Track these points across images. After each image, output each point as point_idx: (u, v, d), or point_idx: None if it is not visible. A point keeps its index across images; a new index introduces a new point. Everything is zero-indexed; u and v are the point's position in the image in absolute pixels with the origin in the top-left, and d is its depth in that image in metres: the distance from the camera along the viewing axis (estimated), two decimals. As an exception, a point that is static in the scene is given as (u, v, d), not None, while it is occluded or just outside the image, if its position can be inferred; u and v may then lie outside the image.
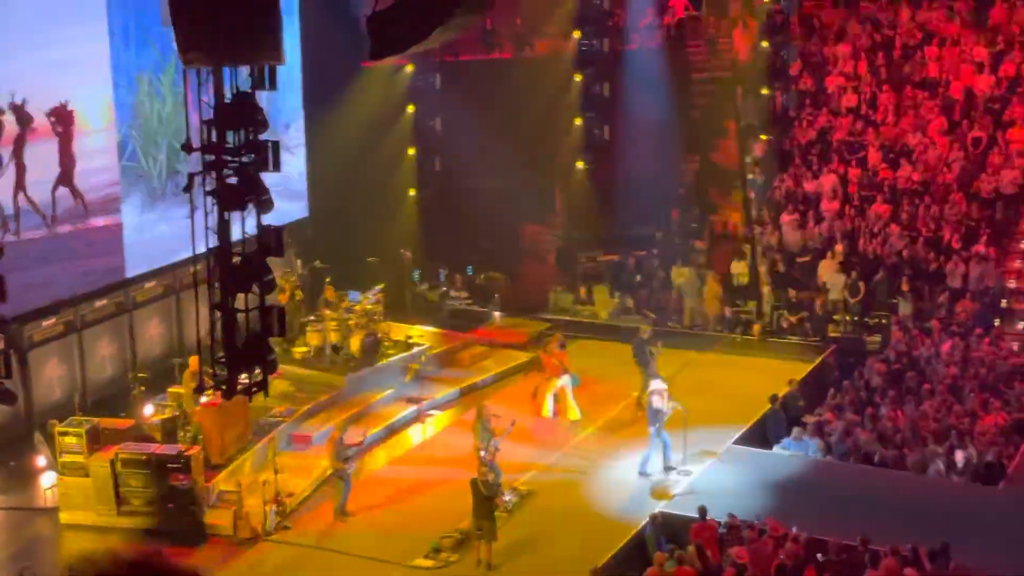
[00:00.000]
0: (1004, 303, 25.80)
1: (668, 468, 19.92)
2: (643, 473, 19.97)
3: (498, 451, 18.85)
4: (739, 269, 27.83)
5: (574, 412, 22.32)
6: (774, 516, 17.22)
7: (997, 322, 25.27)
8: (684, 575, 15.79)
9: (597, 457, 20.87)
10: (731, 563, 15.84)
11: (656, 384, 20.19)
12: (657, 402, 19.91)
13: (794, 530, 16.57)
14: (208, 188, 14.82)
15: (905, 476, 19.40)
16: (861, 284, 26.24)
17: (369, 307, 24.23)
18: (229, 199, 14.81)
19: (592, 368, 24.50)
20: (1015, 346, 24.19)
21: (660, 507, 18.48)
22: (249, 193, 14.81)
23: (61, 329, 21.90)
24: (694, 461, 20.02)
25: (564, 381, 22.47)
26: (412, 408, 22.71)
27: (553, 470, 20.47)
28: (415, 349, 24.57)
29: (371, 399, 22.89)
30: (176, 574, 1.91)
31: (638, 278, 28.77)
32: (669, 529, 17.64)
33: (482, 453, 18.53)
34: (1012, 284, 26.07)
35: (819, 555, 16.28)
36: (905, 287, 25.91)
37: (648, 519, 18.01)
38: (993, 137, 28.23)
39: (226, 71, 14.44)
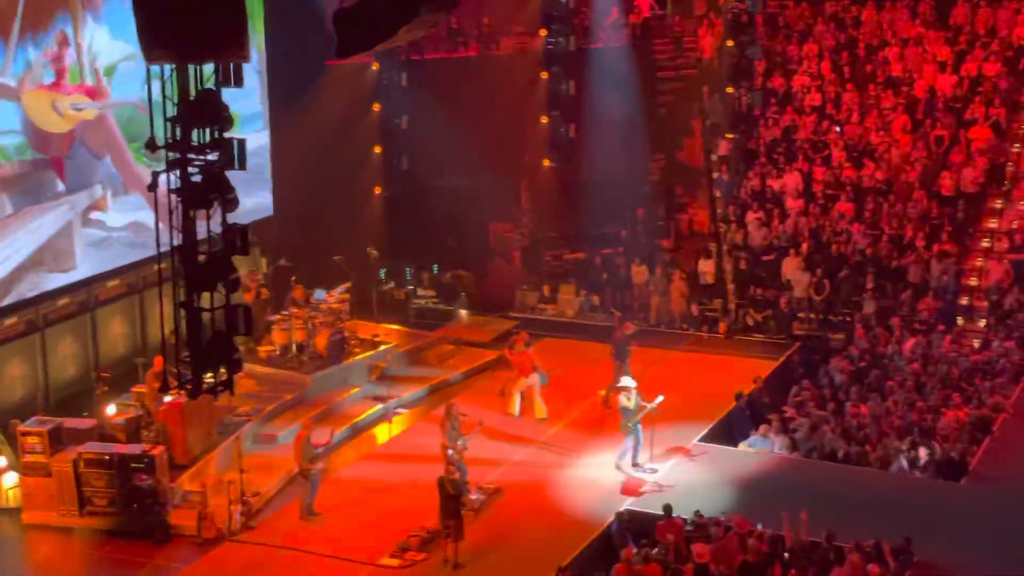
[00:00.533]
0: (965, 300, 26.00)
1: (635, 465, 19.96)
2: (619, 466, 20.02)
3: (465, 450, 18.88)
4: (705, 267, 27.92)
5: (541, 410, 22.34)
6: (740, 513, 17.31)
7: (960, 320, 25.47)
8: (651, 572, 15.84)
9: (564, 455, 20.89)
10: (692, 560, 15.92)
11: (624, 381, 20.23)
12: (623, 400, 19.96)
13: (759, 527, 16.66)
14: (173, 186, 14.74)
15: (869, 472, 19.53)
16: (826, 282, 26.38)
17: (335, 305, 24.16)
18: (194, 197, 14.72)
19: (559, 366, 24.52)
20: (976, 343, 24.38)
21: (626, 505, 18.53)
22: (214, 191, 14.73)
23: (22, 328, 21.72)
24: (660, 459, 20.09)
25: (532, 380, 22.49)
26: (379, 407, 22.67)
27: (520, 468, 20.47)
28: (382, 348, 24.52)
29: (337, 398, 22.84)
30: None
31: (604, 276, 28.81)
32: (635, 527, 17.69)
33: (450, 452, 18.54)
34: (973, 282, 26.27)
35: (784, 552, 16.39)
36: (869, 285, 26.07)
37: (614, 517, 18.06)
38: (955, 136, 28.44)
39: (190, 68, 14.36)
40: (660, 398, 20.07)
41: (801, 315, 26.41)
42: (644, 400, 20.03)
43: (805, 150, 29.51)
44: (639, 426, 19.95)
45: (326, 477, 19.54)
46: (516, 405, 22.47)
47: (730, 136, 30.03)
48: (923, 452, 19.56)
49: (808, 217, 27.94)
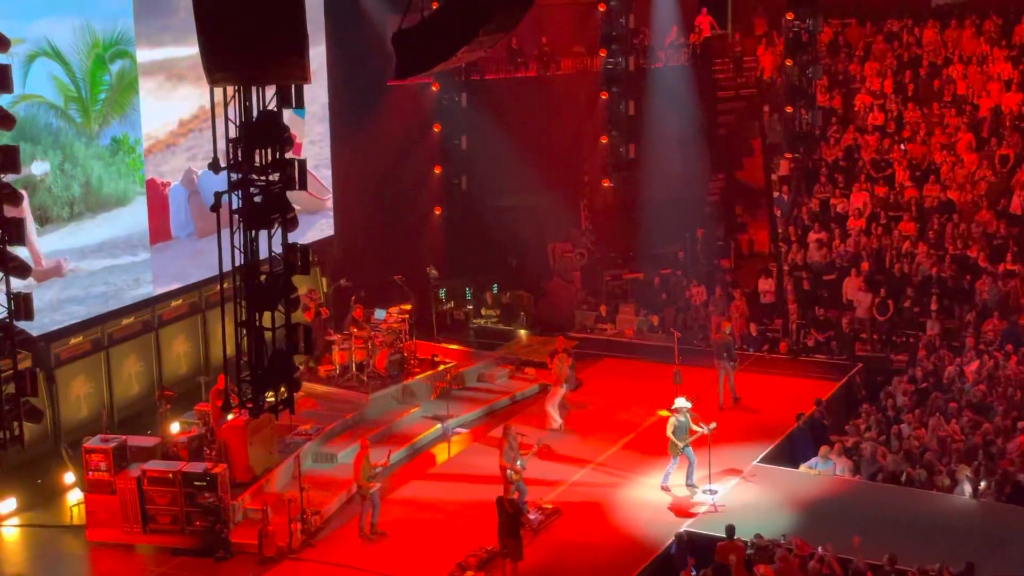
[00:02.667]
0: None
1: (689, 486, 19.85)
2: (664, 487, 19.93)
3: (524, 470, 18.87)
4: (765, 286, 27.75)
5: (556, 420, 22.55)
6: (800, 535, 17.16)
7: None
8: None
9: (623, 475, 20.81)
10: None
11: (678, 402, 20.10)
12: (673, 422, 19.84)
13: (820, 550, 16.51)
14: (235, 207, 14.90)
15: (933, 496, 19.29)
16: (889, 302, 26.11)
17: (395, 325, 24.25)
18: (255, 217, 14.88)
19: (617, 386, 24.47)
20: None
21: (686, 526, 18.43)
22: (275, 211, 14.88)
23: (88, 347, 22.01)
24: (719, 480, 19.95)
25: (563, 390, 22.56)
26: (438, 427, 22.70)
27: (579, 488, 20.42)
28: (441, 367, 24.57)
29: (397, 417, 22.91)
30: None
31: (663, 296, 28.71)
32: (695, 548, 17.59)
33: (509, 472, 18.54)
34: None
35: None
36: (934, 306, 25.76)
37: (674, 538, 17.97)
38: (1021, 155, 28.10)
39: (252, 90, 14.52)
40: (713, 424, 19.93)
41: (863, 336, 26.16)
42: (695, 424, 19.91)
43: (867, 169, 29.27)
44: (690, 448, 19.83)
45: (384, 496, 19.59)
46: (556, 418, 22.49)
47: (790, 156, 29.87)
48: (987, 477, 19.29)
49: (871, 237, 27.69)
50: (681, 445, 19.77)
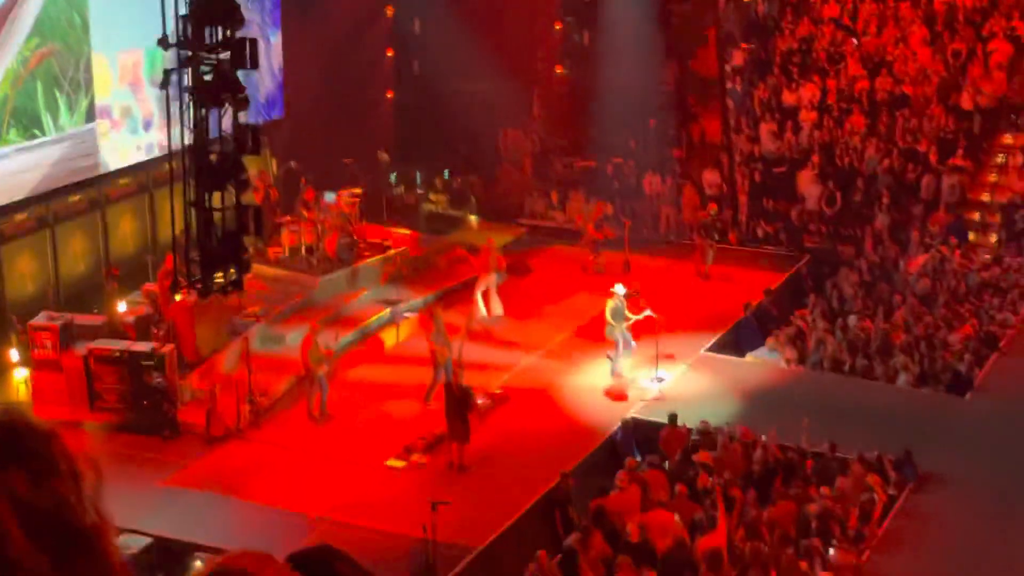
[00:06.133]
0: (977, 216, 25.93)
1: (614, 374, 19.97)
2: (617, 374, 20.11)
3: (451, 351, 19.02)
4: (715, 178, 27.79)
5: (498, 307, 22.52)
6: (745, 423, 17.42)
7: (971, 235, 25.40)
8: (654, 478, 15.99)
9: (570, 362, 20.96)
10: (699, 468, 16.06)
11: (616, 288, 20.15)
12: (608, 306, 19.91)
13: (763, 437, 16.78)
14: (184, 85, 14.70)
15: (875, 385, 19.62)
16: (838, 195, 26.27)
17: (345, 209, 24.11)
18: (206, 96, 14.69)
19: (566, 273, 24.57)
20: (987, 258, 24.33)
21: (632, 412, 18.64)
22: (225, 90, 14.70)
23: (33, 224, 21.73)
24: (666, 367, 20.16)
25: (491, 280, 22.61)
26: (387, 311, 22.72)
27: (527, 374, 20.56)
28: (391, 252, 24.51)
29: (346, 301, 22.89)
30: (38, 435, 1.91)
31: (615, 185, 28.71)
32: (640, 434, 17.82)
33: (440, 357, 18.73)
34: (986, 197, 26.16)
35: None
36: (884, 199, 25.94)
37: (619, 424, 18.19)
38: (973, 49, 28.15)
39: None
40: (647, 312, 20.03)
41: (812, 228, 26.35)
42: (629, 312, 20.01)
43: (820, 62, 29.23)
44: (627, 333, 19.91)
45: (333, 379, 19.64)
46: (481, 309, 22.54)
47: (744, 46, 29.73)
48: (927, 366, 19.63)
49: (822, 130, 27.74)
50: (617, 329, 19.86)
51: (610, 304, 19.98)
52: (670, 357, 20.29)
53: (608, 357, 19.96)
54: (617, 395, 19.39)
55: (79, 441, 18.39)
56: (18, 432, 1.90)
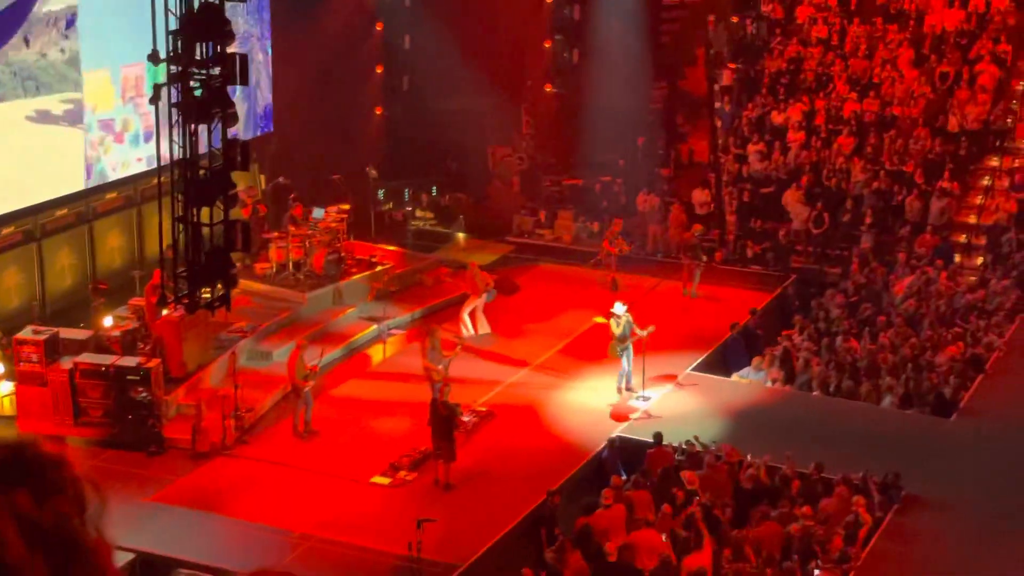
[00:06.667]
0: (963, 238, 26.01)
1: (627, 390, 20.04)
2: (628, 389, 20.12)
3: (446, 371, 18.97)
4: (703, 197, 27.85)
5: (484, 326, 22.54)
6: (731, 443, 17.43)
7: (957, 257, 25.47)
8: (640, 497, 15.99)
9: (558, 379, 20.97)
10: (682, 487, 16.07)
11: (617, 308, 20.24)
12: (613, 326, 20.01)
13: (749, 457, 16.80)
14: (174, 100, 14.70)
15: (861, 406, 19.64)
16: (825, 215, 26.34)
17: (333, 225, 24.11)
18: (194, 111, 14.69)
19: (553, 291, 24.58)
20: (973, 280, 24.40)
21: (618, 431, 18.65)
22: (215, 106, 14.70)
23: (19, 237, 21.68)
24: (653, 386, 20.16)
25: (480, 301, 22.63)
26: (374, 327, 22.71)
27: (514, 391, 20.55)
28: (378, 268, 24.51)
29: (333, 317, 22.87)
30: (45, 460, 2.06)
31: (603, 203, 28.76)
32: (627, 453, 17.82)
33: (432, 373, 18.71)
34: (972, 219, 26.25)
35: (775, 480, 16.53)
36: (868, 219, 26.03)
37: (606, 443, 18.19)
38: (960, 72, 28.27)
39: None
40: (651, 328, 20.09)
41: (799, 248, 26.41)
42: (637, 328, 20.07)
43: (809, 83, 29.32)
44: (630, 352, 19.98)
45: (319, 395, 19.61)
46: (468, 326, 22.54)
47: (733, 66, 29.84)
48: (913, 387, 19.66)
49: (810, 150, 27.83)
50: (620, 348, 19.92)
51: (613, 323, 20.02)
52: (670, 379, 20.34)
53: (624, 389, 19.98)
54: (621, 415, 19.36)
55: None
56: (27, 458, 2.12)
